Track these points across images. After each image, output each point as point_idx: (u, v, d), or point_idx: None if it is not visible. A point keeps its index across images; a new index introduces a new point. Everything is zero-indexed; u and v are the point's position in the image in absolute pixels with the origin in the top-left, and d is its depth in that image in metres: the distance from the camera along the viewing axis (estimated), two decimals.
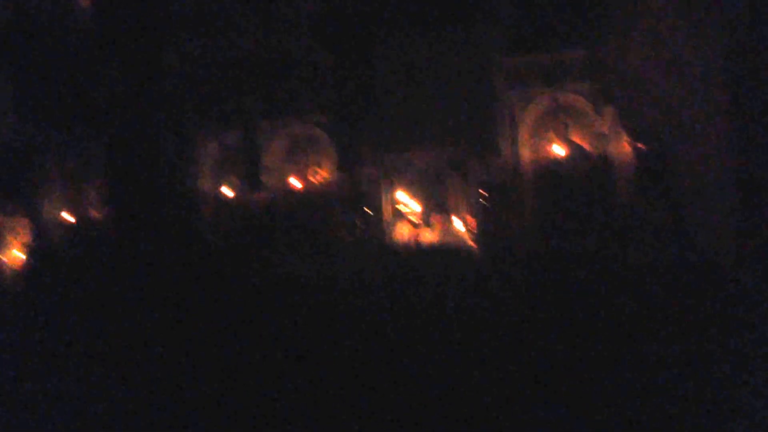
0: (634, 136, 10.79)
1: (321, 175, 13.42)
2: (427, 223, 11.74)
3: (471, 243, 11.96)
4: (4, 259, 14.96)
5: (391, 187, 12.86)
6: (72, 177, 15.12)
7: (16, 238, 15.66)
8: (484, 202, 11.72)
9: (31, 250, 15.06)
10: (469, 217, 12.59)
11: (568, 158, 11.61)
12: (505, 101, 11.93)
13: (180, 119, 13.61)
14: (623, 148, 11.22)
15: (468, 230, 12.31)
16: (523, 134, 11.91)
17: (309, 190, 13.43)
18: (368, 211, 12.66)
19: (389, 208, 12.90)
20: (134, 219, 13.30)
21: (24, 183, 15.00)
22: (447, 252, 11.25)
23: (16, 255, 15.42)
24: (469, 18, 12.30)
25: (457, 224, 12.67)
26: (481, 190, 11.73)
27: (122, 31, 12.99)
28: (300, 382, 2.77)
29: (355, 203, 12.72)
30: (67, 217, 15.04)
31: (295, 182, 13.42)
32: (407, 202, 12.46)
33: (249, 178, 13.03)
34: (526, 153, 11.91)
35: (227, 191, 13.84)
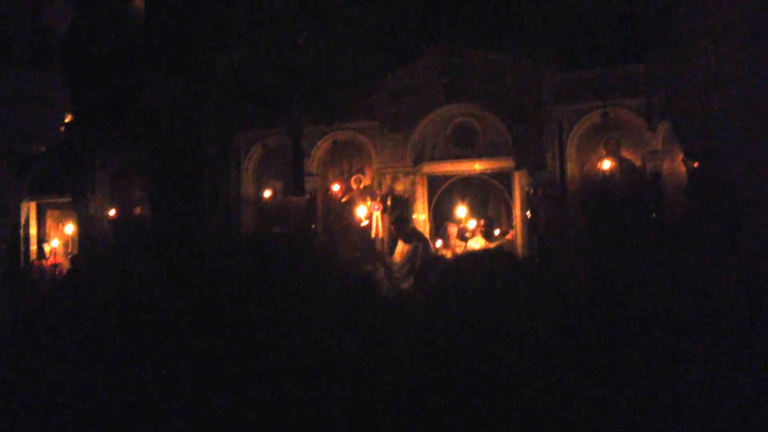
0: (690, 154, 10.50)
1: (364, 182, 13.37)
2: (468, 236, 11.57)
3: (514, 257, 11.77)
4: (50, 253, 15.17)
5: (435, 198, 12.75)
6: (118, 176, 15.33)
7: (63, 232, 15.91)
8: (529, 217, 11.52)
9: (78, 245, 15.30)
10: (512, 231, 12.43)
11: (619, 175, 11.35)
12: (554, 116, 11.72)
13: (224, 122, 13.70)
14: (677, 166, 10.93)
15: (512, 244, 12.14)
16: (572, 149, 11.69)
17: (351, 197, 13.38)
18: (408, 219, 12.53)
19: (432, 218, 12.78)
20: (175, 219, 13.43)
21: (74, 180, 15.24)
22: (490, 265, 11.10)
23: (62, 249, 15.65)
24: (520, 31, 12.15)
25: (501, 237, 12.51)
26: (527, 204, 11.54)
27: (170, 35, 13.14)
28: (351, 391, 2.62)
29: (396, 212, 12.62)
30: (112, 214, 15.24)
31: (337, 188, 13.39)
32: (450, 213, 12.32)
33: (292, 183, 13.02)
34: (574, 168, 11.68)
35: (269, 195, 13.88)
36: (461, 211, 12.37)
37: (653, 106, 10.96)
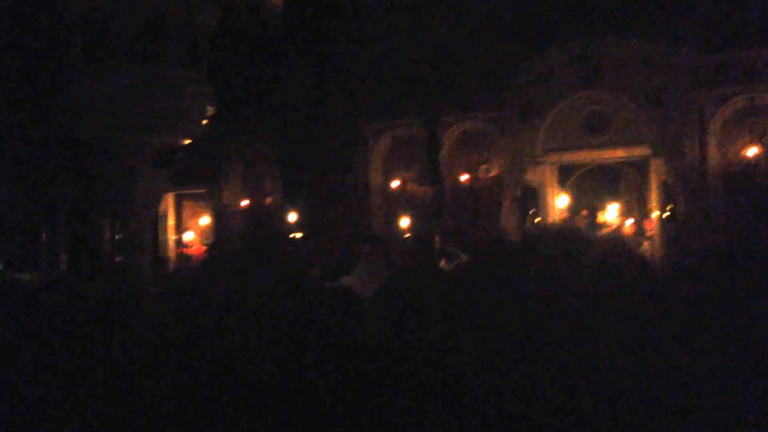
0: None
1: (492, 172, 13.25)
2: (598, 224, 11.30)
3: (649, 247, 11.40)
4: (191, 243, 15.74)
5: (565, 187, 12.52)
6: (250, 166, 15.73)
7: (198, 223, 16.47)
8: (668, 207, 11.13)
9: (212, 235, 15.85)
10: (647, 221, 12.04)
11: (766, 163, 10.79)
12: (695, 102, 11.25)
13: (355, 112, 13.85)
14: None
15: (645, 234, 11.76)
16: (714, 137, 11.19)
17: (479, 187, 13.29)
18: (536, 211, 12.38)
19: (560, 207, 12.57)
20: (305, 209, 13.74)
21: (208, 170, 15.73)
22: (623, 255, 10.77)
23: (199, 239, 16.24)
24: (657, 13, 11.69)
25: (634, 227, 12.13)
26: (665, 193, 11.15)
27: (308, 27, 13.43)
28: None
29: (523, 201, 12.48)
30: (244, 204, 15.66)
31: (465, 178, 13.33)
32: (579, 202, 12.08)
33: (427, 172, 13.04)
34: (716, 156, 11.17)
35: (397, 185, 13.94)
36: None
37: None
